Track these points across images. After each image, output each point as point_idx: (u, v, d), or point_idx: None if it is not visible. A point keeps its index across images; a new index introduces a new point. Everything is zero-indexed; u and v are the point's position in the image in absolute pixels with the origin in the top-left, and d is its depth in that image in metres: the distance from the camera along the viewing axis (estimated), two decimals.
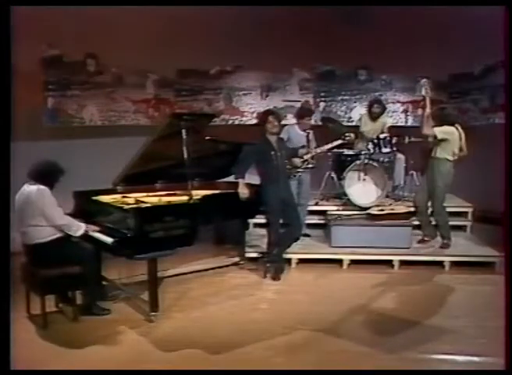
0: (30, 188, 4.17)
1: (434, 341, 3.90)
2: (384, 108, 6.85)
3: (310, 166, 6.00)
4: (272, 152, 5.19)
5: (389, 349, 3.76)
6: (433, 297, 4.87)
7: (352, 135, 6.15)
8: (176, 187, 5.16)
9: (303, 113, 6.20)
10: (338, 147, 6.54)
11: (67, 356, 3.69)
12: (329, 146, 6.14)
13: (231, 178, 5.69)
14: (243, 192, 5.11)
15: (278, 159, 5.21)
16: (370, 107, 6.81)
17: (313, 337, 3.99)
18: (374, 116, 6.75)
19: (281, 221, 5.35)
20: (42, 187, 4.16)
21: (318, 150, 6.07)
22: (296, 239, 5.47)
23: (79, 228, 4.25)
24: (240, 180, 5.18)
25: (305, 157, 5.91)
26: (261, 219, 6.08)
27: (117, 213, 4.40)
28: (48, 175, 4.24)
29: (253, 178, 5.43)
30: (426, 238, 6.03)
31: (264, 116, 5.37)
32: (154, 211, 4.35)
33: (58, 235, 4.23)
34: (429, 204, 5.90)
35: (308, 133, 6.09)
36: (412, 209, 6.11)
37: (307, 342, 3.91)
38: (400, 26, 7.03)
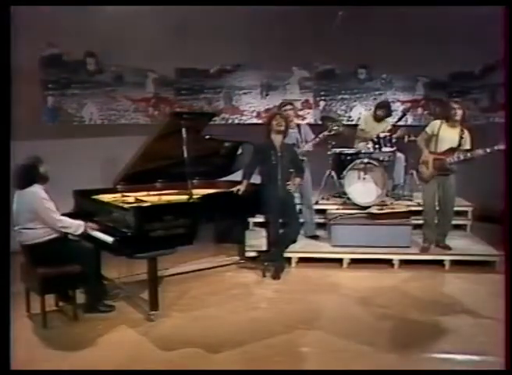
0: (23, 193, 4.12)
1: (434, 340, 3.90)
2: (390, 113, 6.86)
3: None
4: (272, 152, 5.19)
5: (388, 348, 3.76)
6: (433, 296, 4.87)
7: (338, 126, 6.20)
8: (175, 186, 5.16)
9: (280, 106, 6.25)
10: (338, 146, 6.59)
11: (67, 355, 3.68)
12: (317, 139, 6.11)
13: (231, 177, 5.71)
14: (242, 189, 5.12)
15: (278, 160, 5.19)
16: (377, 109, 6.79)
17: (313, 336, 4.00)
18: (378, 118, 6.75)
19: (281, 221, 5.36)
20: (35, 190, 4.11)
21: (307, 145, 6.04)
22: (294, 241, 5.46)
23: (78, 228, 4.24)
24: (245, 181, 5.21)
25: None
26: (261, 219, 6.09)
27: (117, 212, 4.39)
28: (27, 175, 4.14)
29: (254, 177, 5.44)
30: (428, 245, 5.80)
31: (271, 115, 5.43)
32: (154, 210, 4.35)
33: (56, 235, 4.22)
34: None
35: (298, 126, 6.13)
36: (412, 208, 6.11)
37: (307, 341, 3.91)
38: (400, 26, 7.03)
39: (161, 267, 4.43)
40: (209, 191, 5.12)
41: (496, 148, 5.12)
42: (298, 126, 6.17)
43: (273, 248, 5.38)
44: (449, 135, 5.54)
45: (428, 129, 5.69)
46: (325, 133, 6.14)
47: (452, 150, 5.49)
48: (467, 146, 5.50)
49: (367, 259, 5.74)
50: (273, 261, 5.41)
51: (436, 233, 5.87)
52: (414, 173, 6.62)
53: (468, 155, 5.40)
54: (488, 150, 5.23)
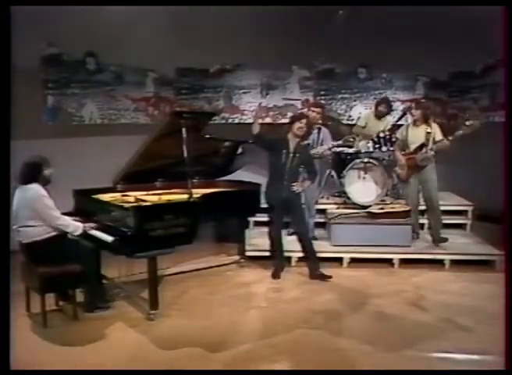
0: (24, 190, 4.13)
1: (434, 339, 3.90)
2: (390, 110, 6.84)
3: None
4: (284, 151, 5.15)
5: (389, 347, 3.76)
6: (433, 295, 4.87)
7: (354, 138, 6.42)
8: (175, 186, 5.16)
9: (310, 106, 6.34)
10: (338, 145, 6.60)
11: (67, 355, 3.69)
12: (331, 146, 6.12)
13: (231, 177, 5.71)
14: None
15: (287, 160, 5.13)
16: (377, 105, 6.77)
17: (313, 335, 4.00)
18: (379, 115, 6.74)
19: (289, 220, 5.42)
20: (36, 188, 4.13)
21: (322, 148, 6.05)
22: (308, 239, 5.42)
23: (76, 229, 4.26)
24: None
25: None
26: (261, 218, 6.09)
27: (117, 212, 4.39)
28: (33, 173, 4.17)
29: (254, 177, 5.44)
30: (415, 237, 6.08)
31: (298, 117, 5.25)
32: (154, 209, 4.35)
33: (55, 233, 4.22)
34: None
35: (319, 129, 6.10)
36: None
37: (307, 340, 3.91)
38: (400, 26, 7.02)
39: (161, 266, 4.44)
40: (209, 190, 5.12)
41: (456, 134, 5.49)
42: (319, 128, 6.12)
43: (274, 246, 5.39)
44: (415, 135, 5.85)
45: (397, 134, 6.07)
46: (340, 142, 6.24)
47: (421, 147, 5.76)
48: (439, 137, 5.73)
49: (367, 259, 5.75)
50: (275, 260, 5.43)
51: (430, 232, 6.06)
52: None
53: (434, 146, 5.67)
54: (450, 138, 5.55)
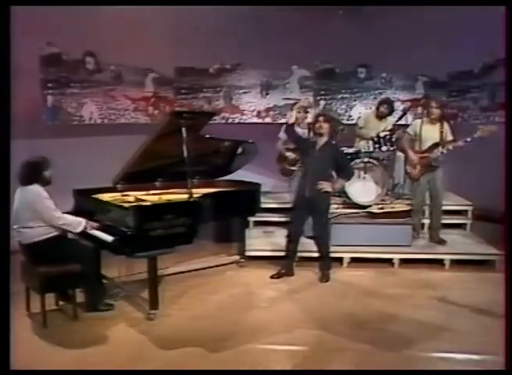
0: (25, 191, 4.13)
1: (434, 339, 3.90)
2: (392, 110, 6.80)
3: None
4: (310, 151, 5.17)
5: (388, 347, 3.76)
6: (433, 295, 4.87)
7: (343, 129, 6.55)
8: (175, 186, 5.16)
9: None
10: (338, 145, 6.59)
11: (67, 355, 3.68)
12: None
13: (231, 176, 5.71)
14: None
15: (313, 160, 5.13)
16: (379, 106, 6.74)
17: (313, 335, 4.00)
18: (380, 116, 6.72)
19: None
20: (36, 188, 4.12)
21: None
22: (325, 243, 5.39)
23: (78, 225, 4.25)
24: None
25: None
26: (261, 218, 6.09)
27: (117, 211, 4.39)
28: (33, 173, 4.17)
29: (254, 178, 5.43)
30: (416, 236, 6.07)
31: (314, 118, 5.42)
32: (154, 209, 4.35)
33: (56, 233, 4.22)
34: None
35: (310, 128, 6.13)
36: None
37: (307, 340, 3.91)
38: (400, 25, 7.02)
39: (161, 266, 4.43)
40: (209, 190, 5.12)
41: (475, 135, 5.42)
42: (309, 128, 6.12)
43: (290, 245, 5.37)
44: (430, 133, 5.79)
45: (409, 130, 5.98)
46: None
47: (435, 146, 5.73)
48: (450, 137, 5.75)
49: (367, 259, 5.75)
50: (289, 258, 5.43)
51: (430, 231, 6.12)
52: None
53: (450, 147, 5.65)
54: (468, 139, 5.51)
